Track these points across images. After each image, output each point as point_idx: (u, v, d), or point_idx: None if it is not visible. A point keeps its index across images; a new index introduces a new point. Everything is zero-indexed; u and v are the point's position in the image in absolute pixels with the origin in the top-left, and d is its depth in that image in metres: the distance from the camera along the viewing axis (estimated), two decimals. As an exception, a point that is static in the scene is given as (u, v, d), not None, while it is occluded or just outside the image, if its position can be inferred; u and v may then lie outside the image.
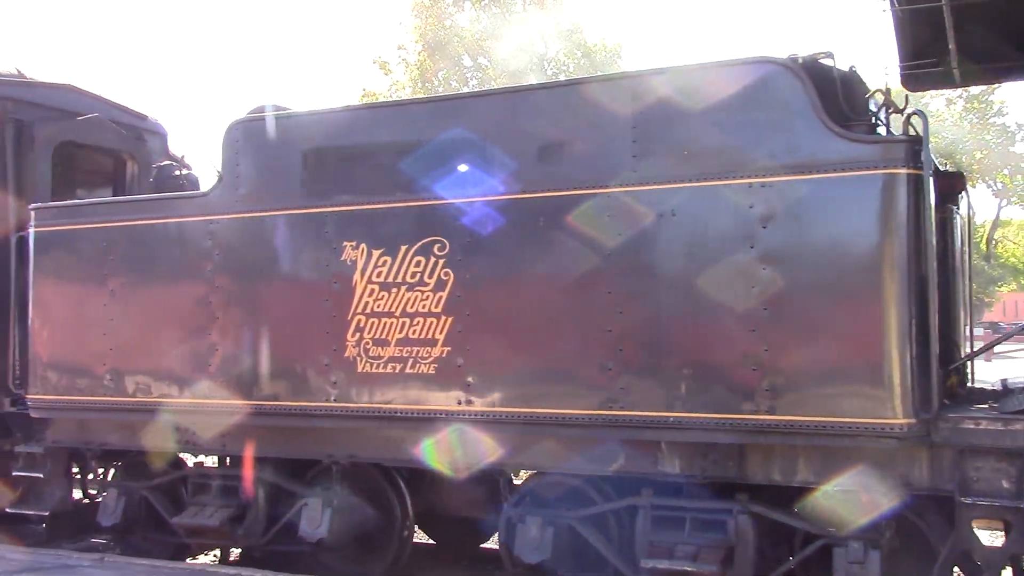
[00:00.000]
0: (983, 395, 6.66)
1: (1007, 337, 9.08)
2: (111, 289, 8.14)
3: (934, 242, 5.92)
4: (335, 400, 7.21)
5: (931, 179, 5.87)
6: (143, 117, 11.31)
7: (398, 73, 31.77)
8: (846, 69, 6.44)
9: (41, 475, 8.64)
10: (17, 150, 9.69)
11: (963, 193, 6.94)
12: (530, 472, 7.22)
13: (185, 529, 8.03)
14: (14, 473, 8.85)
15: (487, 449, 6.83)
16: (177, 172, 9.65)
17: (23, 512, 8.87)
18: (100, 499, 8.89)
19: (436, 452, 7.00)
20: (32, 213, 8.71)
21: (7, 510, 8.96)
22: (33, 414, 8.55)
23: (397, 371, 7.00)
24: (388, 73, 31.56)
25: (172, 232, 7.93)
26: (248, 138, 7.63)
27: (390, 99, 6.46)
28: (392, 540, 7.76)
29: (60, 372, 8.37)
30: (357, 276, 7.16)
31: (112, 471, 9.08)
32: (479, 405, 6.71)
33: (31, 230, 8.63)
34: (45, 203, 8.84)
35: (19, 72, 10.27)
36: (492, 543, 8.72)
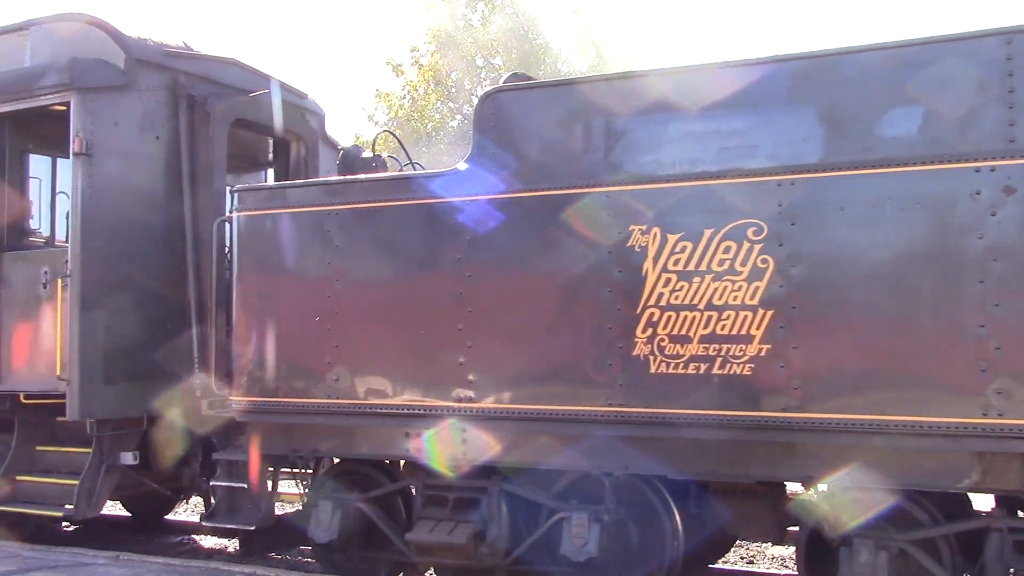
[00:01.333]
0: None
1: None
2: (336, 279, 7.31)
3: None
4: (618, 404, 6.38)
5: None
6: (303, 96, 10.49)
7: (411, 74, 31.19)
8: None
9: (244, 485, 7.80)
10: (190, 127, 8.88)
11: None
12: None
13: (421, 546, 7.20)
14: (212, 483, 8.03)
15: (820, 463, 5.97)
16: (366, 154, 8.82)
17: (223, 526, 8.04)
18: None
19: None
20: (235, 196, 7.88)
21: (203, 523, 8.14)
22: (239, 418, 7.72)
23: (701, 371, 6.17)
24: (400, 75, 30.94)
25: (412, 215, 7.09)
26: (509, 109, 6.80)
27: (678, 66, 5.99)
28: (663, 559, 6.92)
29: (271, 371, 7.54)
30: (648, 264, 6.33)
31: (311, 481, 8.23)
32: (814, 411, 5.88)
33: (235, 215, 7.80)
34: (251, 185, 8.02)
35: (185, 44, 9.44)
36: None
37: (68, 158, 8.66)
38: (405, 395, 7.07)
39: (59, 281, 8.26)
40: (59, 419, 8.70)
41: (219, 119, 8.92)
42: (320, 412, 7.36)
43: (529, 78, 7.29)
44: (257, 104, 9.39)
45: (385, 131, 9.45)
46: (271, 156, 10.41)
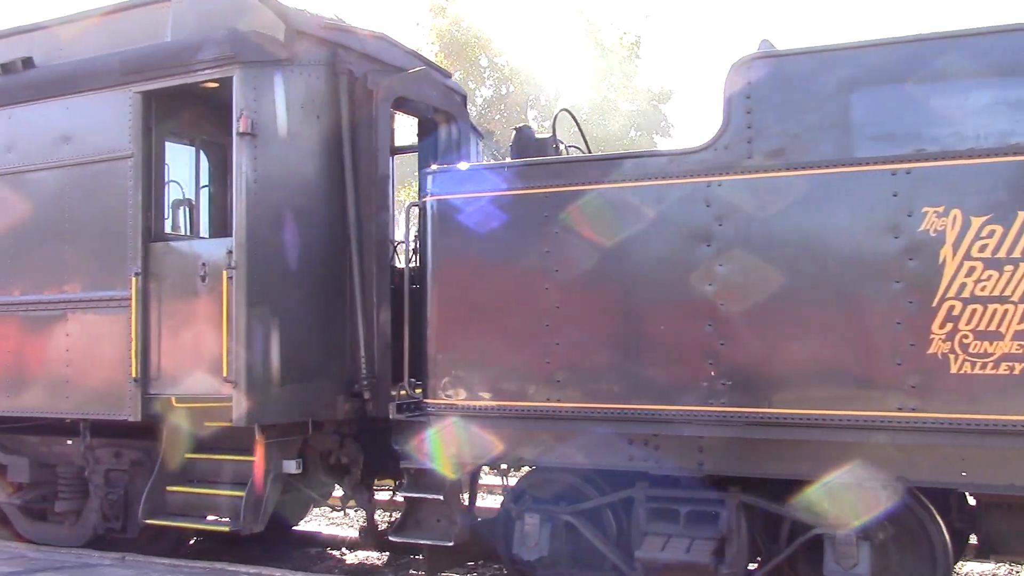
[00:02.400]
0: None
1: None
2: (556, 269, 6.59)
3: None
4: (912, 410, 5.67)
5: None
6: (448, 74, 9.79)
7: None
8: None
9: (440, 497, 7.08)
10: (351, 107, 8.14)
11: None
12: None
13: (652, 565, 6.49)
14: (403, 495, 7.31)
15: None
16: (541, 135, 8.09)
17: (412, 542, 7.32)
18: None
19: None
20: (429, 178, 7.16)
21: (392, 538, 7.41)
22: (433, 424, 7.00)
23: (1016, 372, 5.46)
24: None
25: (645, 198, 6.37)
26: (768, 79, 6.09)
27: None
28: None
29: (477, 372, 6.83)
30: (947, 251, 5.61)
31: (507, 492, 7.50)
32: None
33: (429, 199, 7.08)
34: (451, 166, 7.30)
35: (338, 18, 8.71)
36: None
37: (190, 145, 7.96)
38: (640, 398, 6.36)
39: (224, 273, 7.52)
40: (207, 423, 8.02)
41: (383, 97, 8.19)
42: (537, 416, 6.64)
43: (773, 47, 6.57)
44: (417, 81, 8.67)
45: (563, 110, 8.69)
46: (417, 139, 9.67)
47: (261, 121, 7.57)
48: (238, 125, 7.51)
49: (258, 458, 7.65)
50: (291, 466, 7.83)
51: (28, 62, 8.88)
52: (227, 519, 7.78)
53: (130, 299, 7.95)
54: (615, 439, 6.53)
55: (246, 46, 7.63)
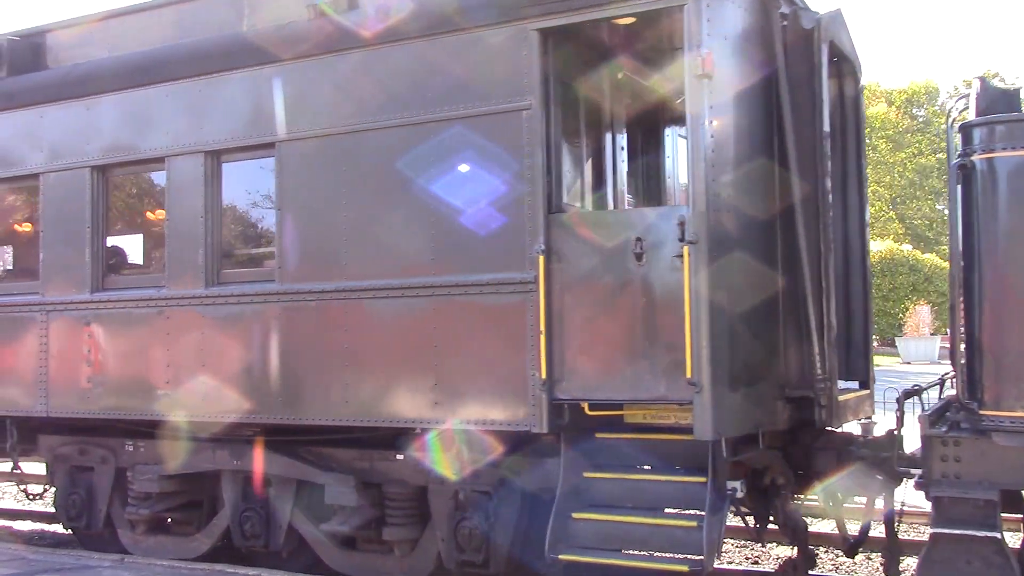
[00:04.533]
0: None
1: None
2: None
3: None
4: None
5: None
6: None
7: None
8: None
9: (995, 535, 5.59)
10: (785, 47, 6.70)
11: None
12: None
13: None
14: (934, 530, 5.80)
15: None
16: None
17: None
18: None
19: None
20: (979, 131, 5.69)
21: None
22: (1004, 441, 5.52)
23: None
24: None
25: None
26: None
27: None
28: None
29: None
30: None
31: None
32: None
33: (982, 157, 5.61)
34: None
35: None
36: None
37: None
38: None
39: (685, 249, 6.02)
40: (615, 436, 6.57)
41: (823, 39, 6.73)
42: None
43: None
44: (837, 24, 7.21)
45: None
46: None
47: (715, 62, 6.11)
48: (696, 65, 6.04)
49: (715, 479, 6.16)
50: (736, 488, 6.35)
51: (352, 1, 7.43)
52: (668, 554, 6.29)
53: (533, 283, 6.47)
54: None
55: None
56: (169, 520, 8.67)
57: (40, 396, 8.54)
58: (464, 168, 6.74)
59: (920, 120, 57.59)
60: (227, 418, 7.68)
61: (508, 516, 7.04)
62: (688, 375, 5.96)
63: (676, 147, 8.65)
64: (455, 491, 7.18)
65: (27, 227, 9.10)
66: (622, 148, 7.89)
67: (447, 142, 6.80)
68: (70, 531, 9.30)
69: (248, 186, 7.81)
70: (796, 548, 7.12)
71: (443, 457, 7.14)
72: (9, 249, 9.21)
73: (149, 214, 8.45)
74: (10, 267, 9.25)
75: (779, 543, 8.54)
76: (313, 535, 7.84)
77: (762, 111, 6.67)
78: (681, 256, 6.06)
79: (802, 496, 7.13)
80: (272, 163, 7.50)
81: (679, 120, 8.57)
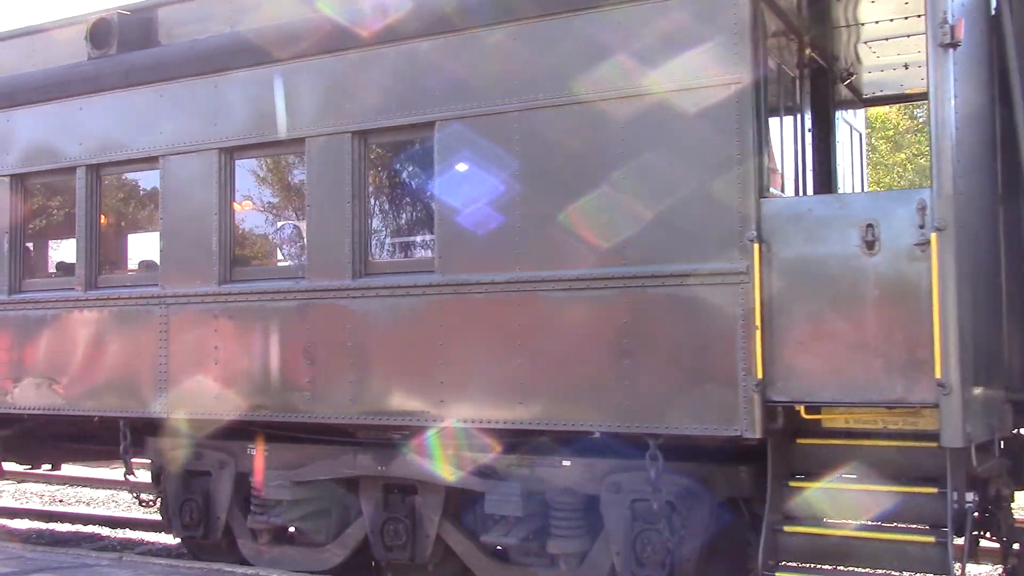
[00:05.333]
0: None
1: None
2: None
3: None
4: None
5: None
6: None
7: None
8: None
9: None
10: (1011, 8, 6.17)
11: None
12: None
13: None
14: None
15: None
16: None
17: None
18: None
19: None
20: None
21: None
22: None
23: None
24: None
25: None
26: None
27: None
28: None
29: None
30: None
31: None
32: None
33: None
34: None
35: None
36: None
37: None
38: None
39: (933, 237, 5.44)
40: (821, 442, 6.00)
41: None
42: None
43: None
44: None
45: None
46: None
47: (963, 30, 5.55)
48: (943, 33, 5.47)
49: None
50: (972, 499, 5.78)
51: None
52: (904, 574, 5.72)
53: (745, 273, 5.89)
54: None
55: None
56: (290, 530, 8.10)
57: (158, 396, 7.94)
58: (665, 148, 6.14)
59: (920, 120, 57.03)
60: (377, 420, 7.10)
61: (696, 528, 6.46)
62: (937, 375, 5.38)
63: (841, 133, 8.12)
64: (632, 500, 6.60)
65: (145, 215, 8.52)
66: (808, 130, 7.32)
67: (648, 120, 6.21)
68: (179, 540, 8.73)
69: (402, 169, 7.22)
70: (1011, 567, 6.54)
71: (621, 464, 6.57)
72: (127, 239, 8.64)
73: (285, 201, 7.86)
74: (119, 258, 8.67)
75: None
76: (464, 546, 7.25)
77: (986, 83, 6.13)
78: (922, 244, 5.49)
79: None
80: (432, 144, 6.91)
81: (846, 103, 8.06)
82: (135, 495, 8.66)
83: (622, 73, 6.27)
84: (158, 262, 8.08)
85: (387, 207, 7.46)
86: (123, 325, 8.20)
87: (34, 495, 13.81)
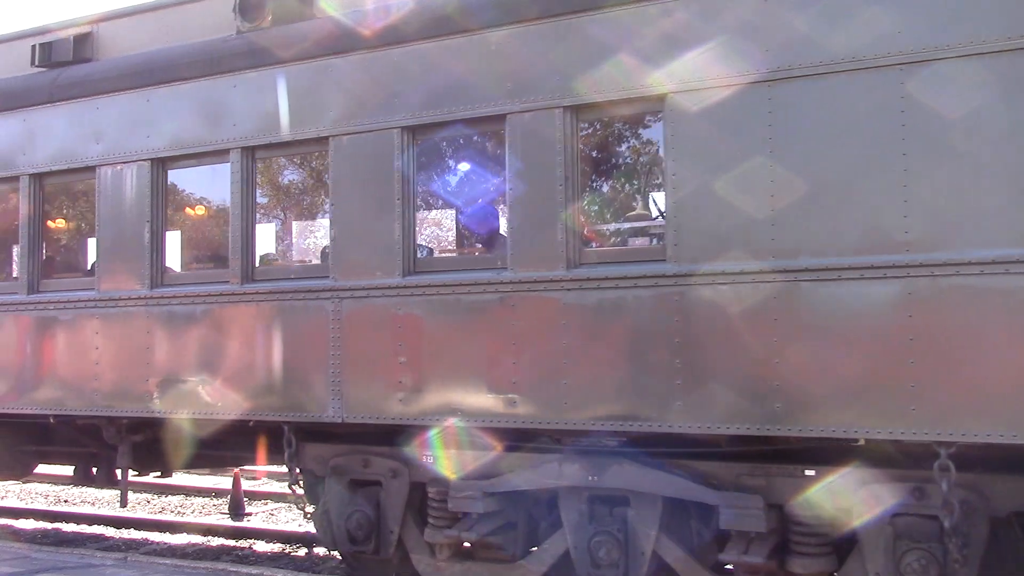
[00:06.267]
0: None
1: None
2: None
3: None
4: None
5: None
6: None
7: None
8: None
9: None
10: None
11: None
12: None
13: None
14: None
15: None
16: None
17: None
18: None
19: None
20: None
21: None
22: None
23: None
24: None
25: None
26: None
27: None
28: None
29: None
30: None
31: None
32: None
33: None
34: None
35: None
36: None
37: None
38: None
39: None
40: None
41: None
42: None
43: None
44: None
45: None
46: None
47: None
48: None
49: None
50: None
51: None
52: None
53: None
54: None
55: None
56: (467, 545, 7.43)
57: (331, 397, 7.27)
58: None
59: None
60: (595, 426, 6.43)
61: (976, 549, 5.78)
62: None
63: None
64: (894, 515, 5.92)
65: (312, 202, 7.84)
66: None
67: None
68: (339, 555, 8.07)
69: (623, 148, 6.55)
70: None
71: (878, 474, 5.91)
72: (294, 228, 7.95)
73: (482, 183, 7.18)
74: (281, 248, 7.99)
75: None
76: (686, 564, 6.57)
77: None
78: None
79: None
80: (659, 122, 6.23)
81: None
82: (301, 507, 7.94)
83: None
84: (329, 253, 7.41)
85: (603, 190, 6.78)
86: (287, 321, 7.52)
87: (39, 495, 14.00)
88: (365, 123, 7.21)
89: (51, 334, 8.62)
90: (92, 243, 8.65)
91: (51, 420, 8.79)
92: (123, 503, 8.92)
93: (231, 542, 10.41)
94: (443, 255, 7.26)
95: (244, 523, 11.37)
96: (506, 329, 6.67)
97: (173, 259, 8.35)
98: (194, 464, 9.54)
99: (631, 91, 6.29)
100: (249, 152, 7.75)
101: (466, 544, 7.39)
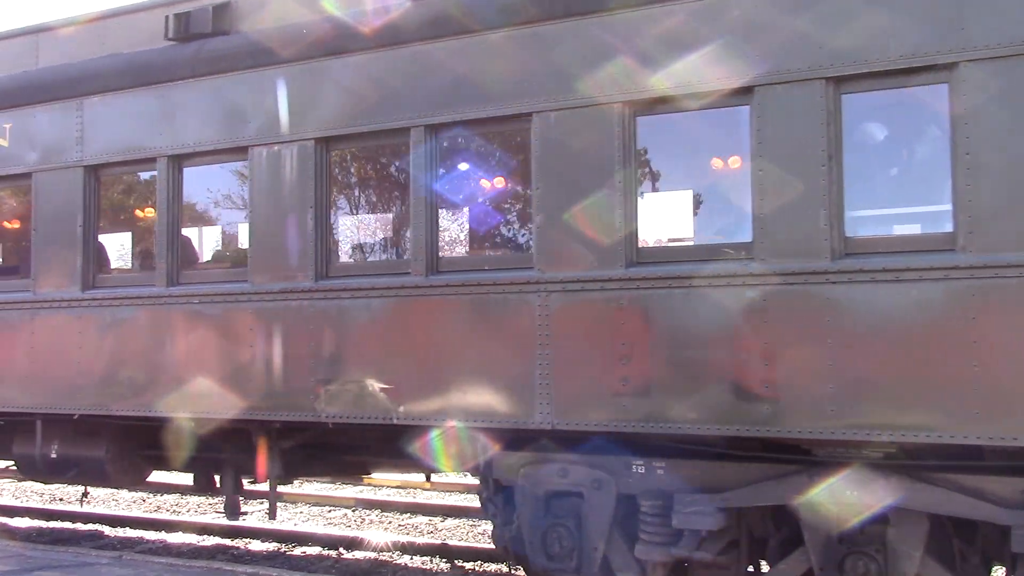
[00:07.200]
0: None
1: None
2: None
3: None
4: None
5: None
6: None
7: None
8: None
9: None
10: None
11: None
12: None
13: None
14: None
15: None
16: None
17: None
18: None
19: None
20: None
21: None
22: None
23: None
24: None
25: None
26: None
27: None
28: None
29: None
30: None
31: None
32: None
33: None
34: None
35: None
36: None
37: None
38: None
39: None
40: None
41: None
42: None
43: None
44: None
45: None
46: None
47: None
48: None
49: None
50: None
51: None
52: None
53: None
54: None
55: None
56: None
57: (539, 402, 6.58)
58: None
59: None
60: (868, 436, 5.76)
61: None
62: None
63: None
64: None
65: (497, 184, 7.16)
66: None
67: None
68: (524, 572, 7.38)
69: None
70: None
71: None
72: (491, 215, 7.24)
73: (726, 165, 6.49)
74: (462, 237, 7.26)
75: None
76: None
77: None
78: None
79: None
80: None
81: None
82: (494, 520, 7.24)
83: None
84: (533, 241, 6.71)
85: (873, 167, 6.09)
86: (482, 316, 6.82)
87: (34, 493, 13.91)
88: (580, 99, 6.52)
89: (194, 330, 7.89)
90: (243, 230, 7.90)
91: (192, 424, 8.07)
92: (272, 515, 8.20)
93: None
94: (671, 243, 6.56)
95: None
96: (757, 327, 5.99)
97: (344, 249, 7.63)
98: (335, 472, 8.87)
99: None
100: (432, 130, 7.06)
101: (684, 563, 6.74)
